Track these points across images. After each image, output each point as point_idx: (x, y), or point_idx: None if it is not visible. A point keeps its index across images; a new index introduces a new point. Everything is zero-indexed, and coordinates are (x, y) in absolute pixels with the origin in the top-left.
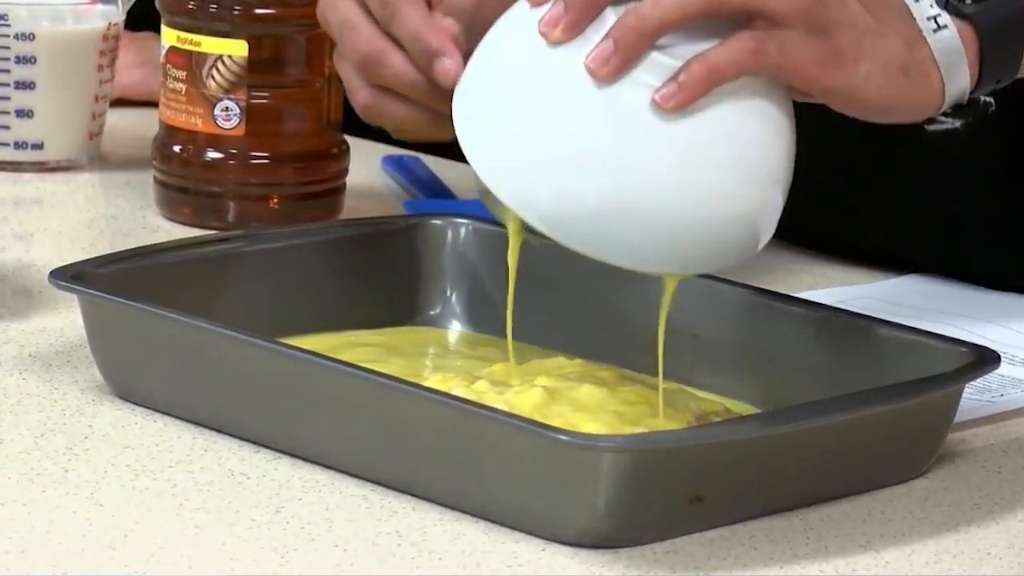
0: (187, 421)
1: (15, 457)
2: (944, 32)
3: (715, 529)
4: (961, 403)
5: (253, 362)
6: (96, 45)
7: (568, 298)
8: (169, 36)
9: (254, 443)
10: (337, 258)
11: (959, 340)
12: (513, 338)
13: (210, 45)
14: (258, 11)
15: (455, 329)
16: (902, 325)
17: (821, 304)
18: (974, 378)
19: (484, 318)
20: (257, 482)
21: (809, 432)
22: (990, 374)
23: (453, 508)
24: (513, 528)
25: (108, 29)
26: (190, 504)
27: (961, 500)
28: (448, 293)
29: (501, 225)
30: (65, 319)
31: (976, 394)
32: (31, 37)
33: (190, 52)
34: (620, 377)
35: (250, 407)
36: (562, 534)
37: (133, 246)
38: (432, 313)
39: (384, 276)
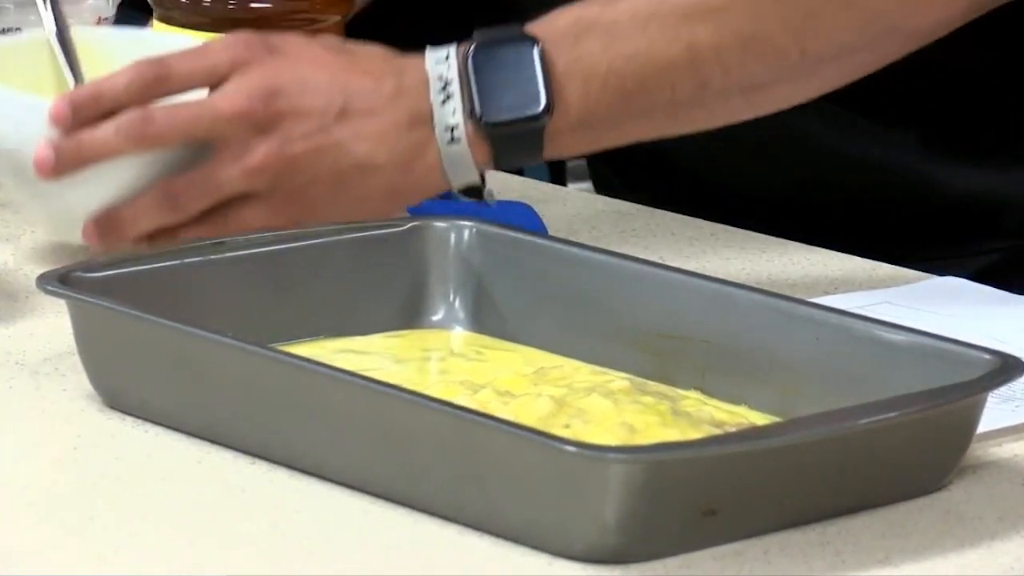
0: (180, 431)
1: (1, 468)
2: (457, 146)
3: (729, 543)
4: (984, 412)
5: (249, 370)
6: None
7: (580, 303)
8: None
9: (250, 454)
10: (336, 261)
11: (982, 347)
12: (523, 343)
13: (203, 41)
14: (254, 6)
15: (459, 334)
16: (923, 331)
17: (838, 309)
18: (998, 386)
19: (489, 322)
20: (253, 495)
21: (826, 442)
22: (1015, 382)
23: (457, 521)
24: (519, 542)
25: (97, 24)
26: (183, 517)
27: (984, 513)
28: (451, 297)
29: (506, 227)
30: (53, 325)
31: (1000, 403)
32: (18, 32)
33: None
34: (631, 386)
35: (246, 417)
36: (570, 549)
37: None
38: (435, 318)
39: (385, 280)
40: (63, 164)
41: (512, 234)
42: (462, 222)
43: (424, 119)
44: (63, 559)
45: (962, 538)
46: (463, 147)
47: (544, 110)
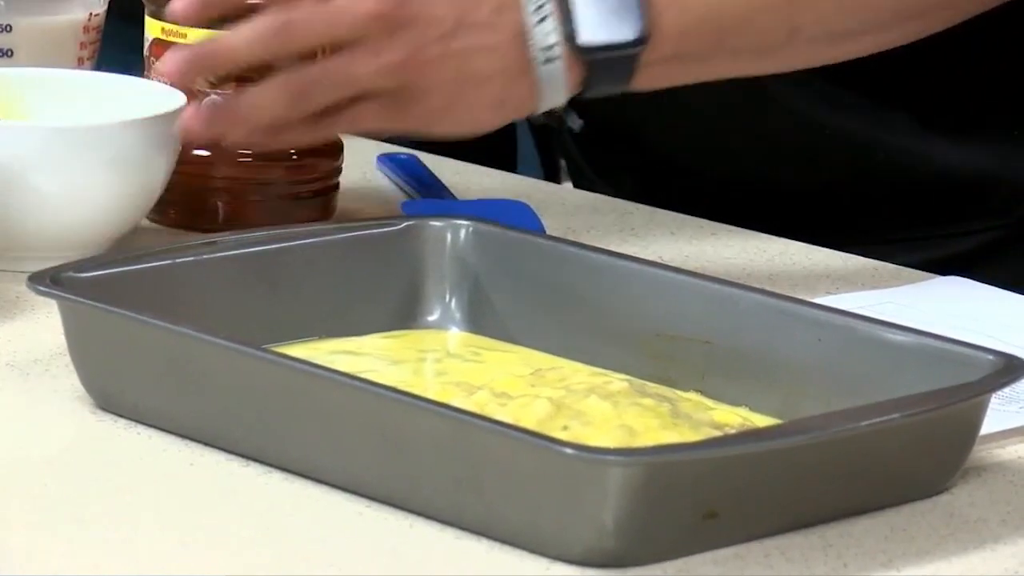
0: (173, 434)
1: None
2: (552, 65)
3: (729, 547)
4: (988, 414)
5: (243, 372)
6: (76, 36)
7: (578, 304)
8: (153, 28)
9: (244, 457)
10: (331, 262)
11: (985, 347)
12: (521, 343)
13: (197, 37)
14: (249, 1)
15: (455, 335)
16: (925, 332)
17: (840, 310)
18: (1001, 387)
19: (485, 323)
20: (247, 498)
21: (828, 444)
22: (1018, 383)
23: (453, 525)
24: (517, 546)
25: (89, 20)
26: (176, 521)
27: (988, 516)
28: (448, 297)
29: (503, 226)
30: (44, 326)
31: (1003, 404)
32: (8, 29)
33: (176, 44)
34: (631, 388)
35: (240, 419)
36: (568, 552)
37: (116, 249)
38: (431, 318)
39: (380, 280)
40: (202, 66)
41: (509, 233)
42: (458, 221)
43: (526, 36)
44: (54, 563)
45: (965, 541)
46: (558, 67)
47: (640, 38)
